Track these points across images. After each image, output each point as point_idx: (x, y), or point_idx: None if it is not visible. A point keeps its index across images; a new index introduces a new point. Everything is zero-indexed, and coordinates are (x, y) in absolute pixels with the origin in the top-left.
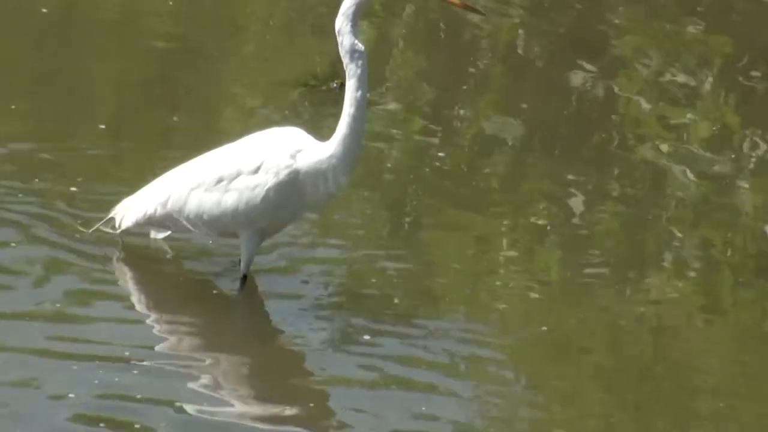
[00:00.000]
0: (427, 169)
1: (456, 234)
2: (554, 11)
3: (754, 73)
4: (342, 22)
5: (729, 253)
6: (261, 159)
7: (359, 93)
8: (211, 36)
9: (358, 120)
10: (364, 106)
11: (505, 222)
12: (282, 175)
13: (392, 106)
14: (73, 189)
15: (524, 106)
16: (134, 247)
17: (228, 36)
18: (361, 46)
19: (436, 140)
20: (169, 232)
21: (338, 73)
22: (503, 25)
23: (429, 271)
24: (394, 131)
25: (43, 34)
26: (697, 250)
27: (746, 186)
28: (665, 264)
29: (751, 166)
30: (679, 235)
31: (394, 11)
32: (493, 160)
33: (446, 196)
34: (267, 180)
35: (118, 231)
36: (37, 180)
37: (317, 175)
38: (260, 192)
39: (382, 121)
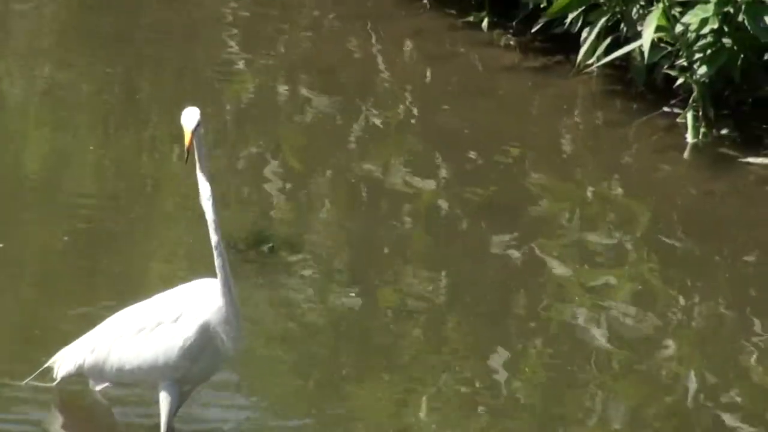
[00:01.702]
0: (347, 334)
1: (374, 405)
2: (475, 175)
3: (675, 234)
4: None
5: (651, 416)
6: (180, 310)
7: (215, 239)
8: (132, 199)
9: (222, 268)
10: (222, 253)
11: (425, 386)
12: (197, 324)
13: (310, 269)
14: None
15: (445, 268)
16: (70, 400)
17: (150, 198)
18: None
19: (356, 304)
20: (106, 384)
21: (268, 237)
22: (424, 188)
23: None
24: (312, 297)
25: None
26: (619, 413)
27: (669, 347)
28: (588, 427)
29: (674, 326)
30: (602, 397)
31: (316, 174)
32: (414, 323)
33: (365, 361)
34: (185, 329)
35: (55, 382)
36: None
37: (218, 325)
38: (179, 341)
39: (300, 287)
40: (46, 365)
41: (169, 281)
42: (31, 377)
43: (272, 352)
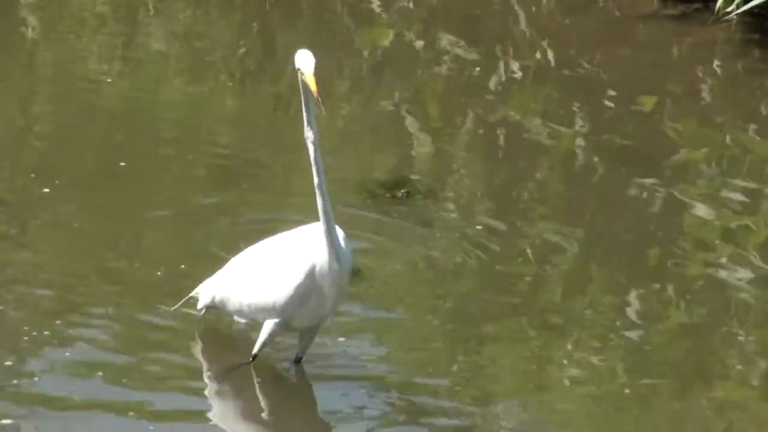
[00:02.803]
0: (482, 279)
1: (513, 345)
2: (613, 123)
3: None
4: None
5: None
6: (292, 252)
7: (316, 180)
8: (269, 144)
9: (324, 210)
10: (325, 194)
11: (563, 332)
12: (305, 267)
13: (445, 214)
14: (158, 273)
15: (583, 215)
16: (214, 328)
17: (287, 145)
18: (310, 134)
19: (494, 250)
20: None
21: (405, 182)
22: (563, 134)
23: (484, 380)
24: (446, 241)
25: (107, 132)
26: (760, 356)
27: None
28: (729, 371)
29: None
30: (742, 341)
31: (455, 122)
32: (551, 270)
33: (504, 306)
34: (294, 271)
35: (199, 312)
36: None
37: (323, 268)
38: (288, 283)
39: (434, 232)
40: (190, 295)
41: (307, 214)
42: (179, 304)
43: (405, 297)
